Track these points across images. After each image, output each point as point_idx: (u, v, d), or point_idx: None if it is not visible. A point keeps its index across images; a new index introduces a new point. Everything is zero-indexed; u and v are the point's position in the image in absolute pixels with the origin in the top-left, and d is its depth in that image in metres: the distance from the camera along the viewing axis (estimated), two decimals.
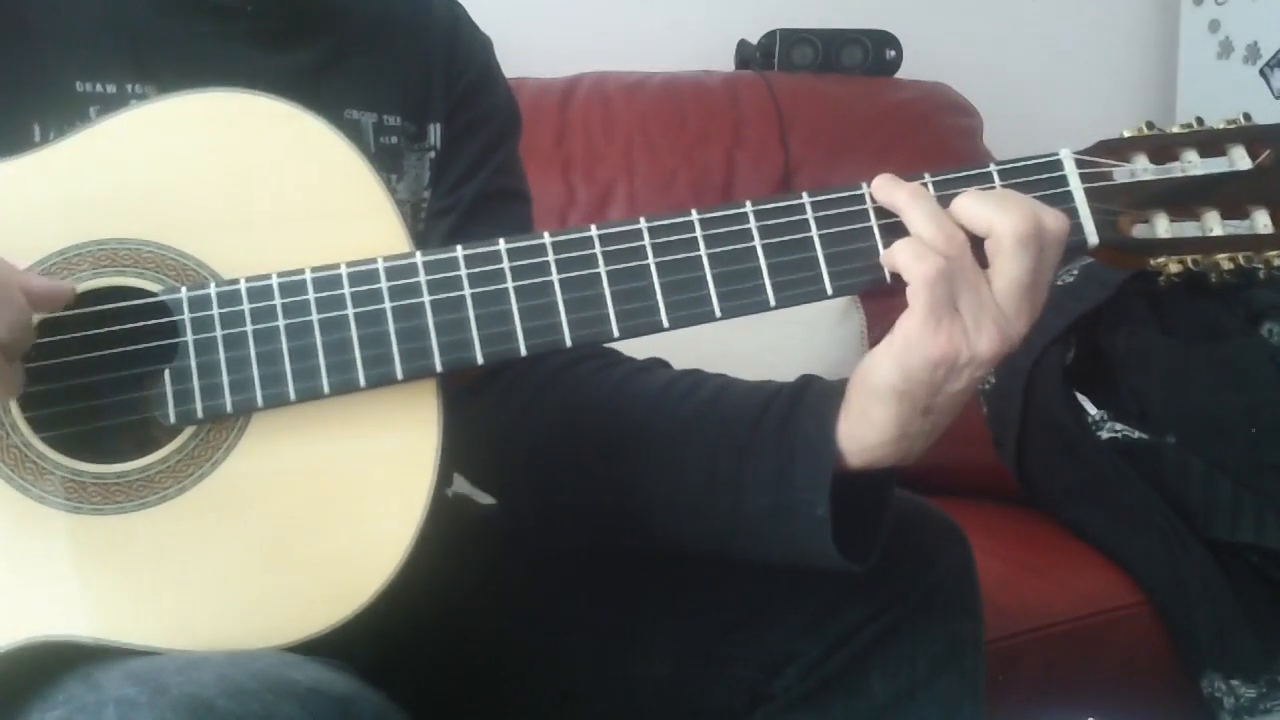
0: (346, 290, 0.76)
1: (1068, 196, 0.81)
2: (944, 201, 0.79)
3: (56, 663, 0.71)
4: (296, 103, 0.80)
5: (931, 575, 0.91)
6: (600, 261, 0.78)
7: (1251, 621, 1.58)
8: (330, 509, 0.76)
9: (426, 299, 0.76)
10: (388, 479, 0.77)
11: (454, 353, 0.76)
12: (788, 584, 0.93)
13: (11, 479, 0.73)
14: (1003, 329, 0.77)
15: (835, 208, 0.79)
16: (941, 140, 2.14)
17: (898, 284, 0.78)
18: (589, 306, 0.77)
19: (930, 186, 0.80)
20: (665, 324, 0.78)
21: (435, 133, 1.00)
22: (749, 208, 0.79)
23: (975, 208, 0.78)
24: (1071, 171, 0.81)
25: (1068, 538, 1.70)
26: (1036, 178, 0.81)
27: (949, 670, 0.92)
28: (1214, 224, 0.80)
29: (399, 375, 0.76)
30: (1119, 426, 1.75)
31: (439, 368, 0.76)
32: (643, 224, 0.78)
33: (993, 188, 0.80)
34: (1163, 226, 0.80)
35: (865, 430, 0.80)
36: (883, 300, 2.03)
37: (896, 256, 0.78)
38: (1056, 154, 0.81)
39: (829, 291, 0.78)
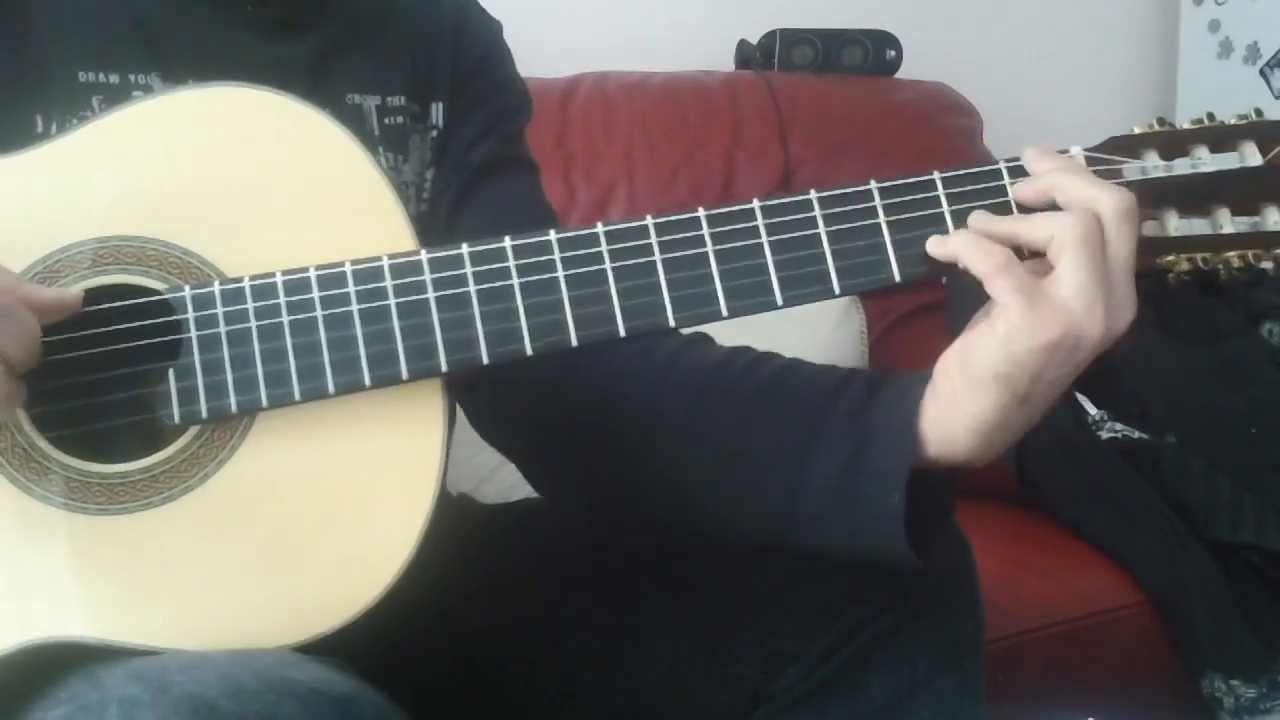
0: (351, 288, 0.75)
1: None
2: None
3: (59, 661, 0.71)
4: (300, 93, 0.80)
5: (931, 575, 0.91)
6: (607, 260, 0.77)
7: (1251, 621, 1.58)
8: (334, 511, 0.75)
9: (432, 297, 0.76)
10: (392, 481, 0.76)
11: (459, 352, 0.76)
12: (788, 584, 0.93)
13: (15, 479, 0.73)
14: (1110, 312, 0.74)
15: (843, 205, 0.79)
16: (941, 140, 2.15)
17: (906, 283, 0.78)
18: (595, 305, 0.77)
19: (940, 184, 0.79)
20: (671, 322, 0.77)
21: (438, 111, 0.99)
22: (756, 205, 0.78)
23: (1078, 184, 0.76)
24: None
25: (1068, 538, 1.70)
26: None
27: (949, 670, 0.92)
28: (1224, 221, 0.79)
29: (404, 375, 0.75)
30: (1119, 426, 1.76)
31: (444, 367, 0.76)
32: (649, 222, 0.78)
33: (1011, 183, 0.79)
34: (1172, 224, 0.79)
35: (955, 419, 0.77)
36: (883, 300, 2.03)
37: (1041, 225, 0.75)
38: (1067, 150, 0.81)
39: (836, 291, 0.78)
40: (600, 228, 0.78)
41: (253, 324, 0.75)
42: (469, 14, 1.04)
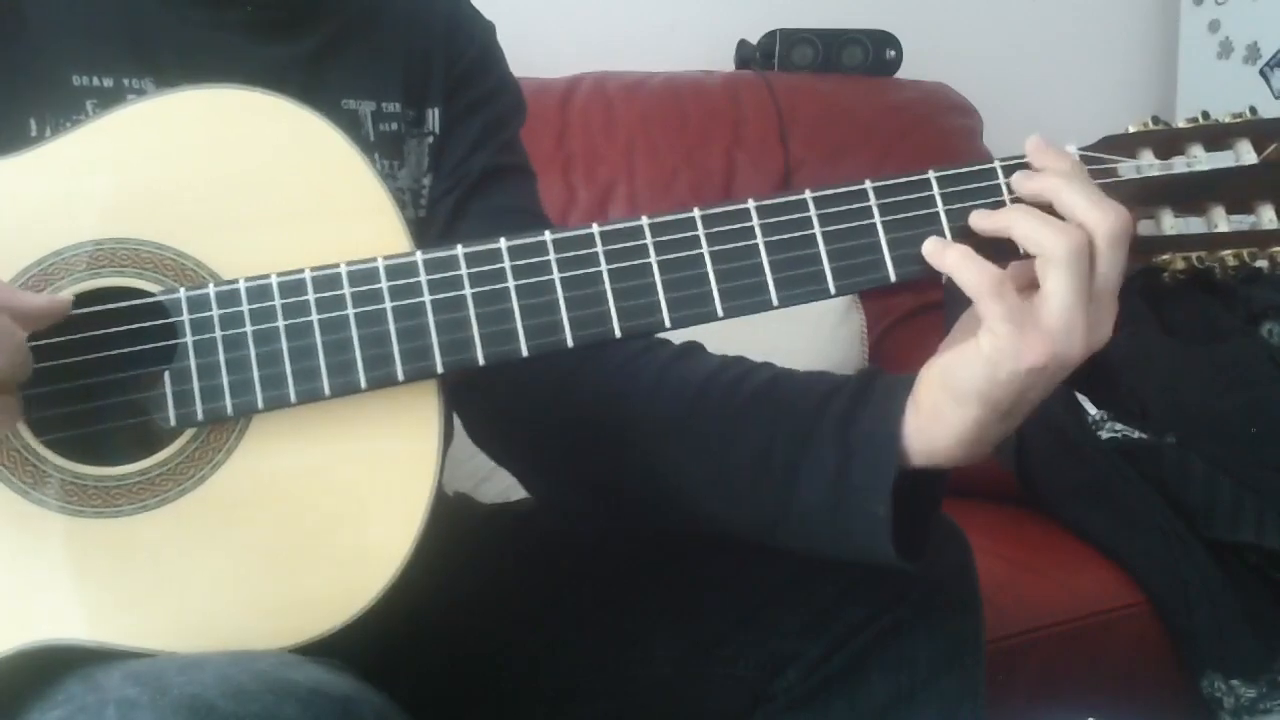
0: (346, 290, 0.75)
1: None
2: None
3: (57, 663, 0.71)
4: (295, 97, 0.80)
5: (931, 575, 0.91)
6: (602, 260, 0.77)
7: (1251, 621, 1.58)
8: (331, 512, 0.75)
9: (427, 298, 0.76)
10: (389, 482, 0.76)
11: (455, 353, 0.76)
12: (788, 584, 0.93)
13: (11, 482, 0.73)
14: (1090, 332, 0.75)
15: (838, 205, 0.78)
16: (941, 140, 2.15)
17: (900, 283, 0.78)
18: (590, 305, 0.77)
19: (935, 183, 0.79)
20: (667, 323, 0.77)
21: (433, 117, 0.99)
22: (751, 205, 0.78)
23: (1077, 198, 0.75)
24: None
25: (1068, 538, 1.70)
26: None
27: (949, 670, 0.92)
28: (1219, 219, 0.79)
29: (400, 376, 0.75)
30: (1119, 426, 1.76)
31: (440, 368, 0.76)
32: (644, 222, 0.78)
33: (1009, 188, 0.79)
34: (1168, 222, 0.79)
35: (937, 430, 0.78)
36: (883, 300, 2.03)
37: (1034, 231, 0.74)
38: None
39: (832, 290, 0.78)
40: (595, 228, 0.77)
41: (248, 327, 0.75)
42: (460, 15, 1.04)
